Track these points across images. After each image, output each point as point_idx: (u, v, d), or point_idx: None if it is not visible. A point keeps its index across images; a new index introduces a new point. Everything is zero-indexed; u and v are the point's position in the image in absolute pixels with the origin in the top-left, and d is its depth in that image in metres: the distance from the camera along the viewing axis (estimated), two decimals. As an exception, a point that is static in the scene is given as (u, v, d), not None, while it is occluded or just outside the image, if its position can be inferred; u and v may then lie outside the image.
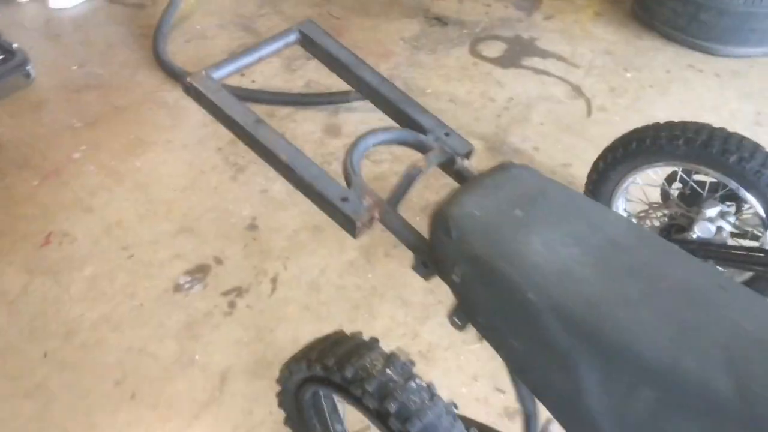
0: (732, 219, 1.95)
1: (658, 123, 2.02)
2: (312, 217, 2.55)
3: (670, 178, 2.11)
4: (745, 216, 1.97)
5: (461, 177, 1.14)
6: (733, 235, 2.01)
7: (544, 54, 3.53)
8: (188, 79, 1.19)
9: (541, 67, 3.44)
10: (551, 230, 0.88)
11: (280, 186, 2.68)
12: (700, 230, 1.97)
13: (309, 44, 1.29)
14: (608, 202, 2.20)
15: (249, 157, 2.81)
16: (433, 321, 2.22)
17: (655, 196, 2.17)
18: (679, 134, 1.92)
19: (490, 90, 3.26)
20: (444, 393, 1.18)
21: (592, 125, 3.07)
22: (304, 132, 2.97)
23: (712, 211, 1.94)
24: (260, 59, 1.27)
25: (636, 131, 2.05)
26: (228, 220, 2.56)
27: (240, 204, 2.62)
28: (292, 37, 1.28)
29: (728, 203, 1.96)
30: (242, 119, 1.15)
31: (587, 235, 0.90)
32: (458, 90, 3.26)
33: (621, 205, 2.20)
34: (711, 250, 1.99)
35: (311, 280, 2.33)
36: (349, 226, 1.08)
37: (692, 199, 2.07)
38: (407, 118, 1.23)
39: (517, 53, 3.53)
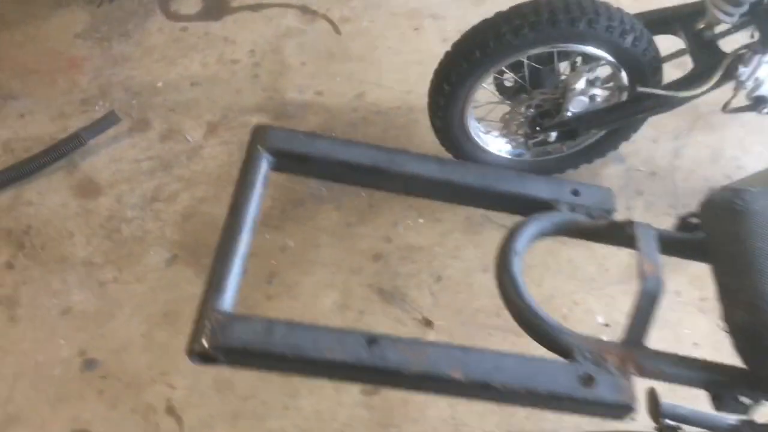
0: (600, 83, 1.89)
1: (487, 20, 1.82)
2: (153, 303, 1.96)
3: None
4: (605, 75, 1.93)
5: (682, 249, 0.82)
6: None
7: (245, -14, 3.05)
8: (201, 343, 0.66)
9: (252, 1, 2.97)
10: None
11: (81, 292, 2.00)
12: (575, 106, 1.89)
13: (291, 162, 0.79)
14: (462, 120, 2.00)
15: (10, 279, 2.03)
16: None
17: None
18: (521, 22, 1.76)
19: (225, 51, 2.74)
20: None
21: (350, 41, 2.78)
22: (54, 209, 2.21)
23: (579, 84, 1.86)
24: (253, 233, 0.76)
25: (471, 37, 1.84)
26: (51, 375, 1.85)
27: (48, 346, 1.90)
28: (263, 165, 0.77)
29: (586, 69, 1.89)
30: (346, 351, 0.66)
31: None
32: (191, 67, 2.68)
33: (472, 114, 2.02)
34: (589, 121, 1.95)
35: (213, 379, 1.82)
36: (621, 412, 0.70)
37: (536, 81, 1.96)
38: (510, 197, 0.83)
39: (218, -3, 3.00)
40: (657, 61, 1.85)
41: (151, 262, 2.04)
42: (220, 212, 2.19)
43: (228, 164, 2.32)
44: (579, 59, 1.89)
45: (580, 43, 1.78)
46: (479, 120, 2.08)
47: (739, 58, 1.75)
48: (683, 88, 1.82)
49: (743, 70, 1.74)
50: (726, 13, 1.72)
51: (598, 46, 1.79)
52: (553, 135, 1.98)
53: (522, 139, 2.06)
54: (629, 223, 0.83)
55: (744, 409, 0.77)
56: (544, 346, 0.78)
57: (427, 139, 2.26)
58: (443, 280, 2.03)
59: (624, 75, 1.87)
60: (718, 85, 1.79)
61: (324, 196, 2.22)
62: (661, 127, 2.36)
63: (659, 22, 1.91)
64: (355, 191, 2.24)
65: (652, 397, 1.16)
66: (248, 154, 0.79)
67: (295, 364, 0.71)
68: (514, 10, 1.79)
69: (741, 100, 1.86)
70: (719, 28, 1.84)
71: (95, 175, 2.30)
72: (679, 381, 0.77)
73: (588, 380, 0.70)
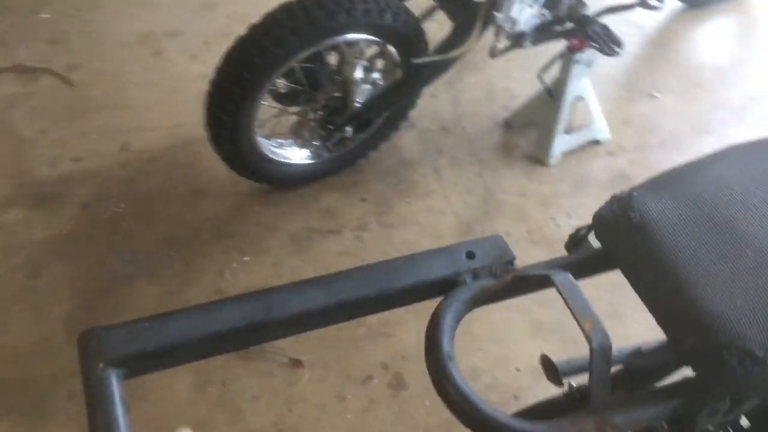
0: (378, 66, 1.84)
1: (245, 36, 1.67)
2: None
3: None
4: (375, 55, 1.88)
5: (591, 268, 0.74)
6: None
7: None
8: None
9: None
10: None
11: None
12: (360, 96, 1.83)
13: (146, 362, 0.58)
14: (251, 145, 1.85)
15: None
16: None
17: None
18: (281, 31, 1.64)
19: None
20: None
21: (89, 89, 2.45)
22: None
23: (357, 74, 1.79)
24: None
25: (234, 59, 1.68)
26: None
27: None
28: (112, 383, 0.55)
29: (356, 55, 1.82)
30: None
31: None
32: None
33: (260, 134, 1.88)
34: (378, 106, 1.90)
35: None
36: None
37: (314, 82, 1.86)
38: (410, 290, 0.70)
39: None
40: (418, 28, 1.84)
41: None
42: (15, 340, 1.86)
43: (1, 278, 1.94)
44: (345, 48, 1.82)
45: (344, 34, 1.71)
46: (269, 137, 1.94)
47: (492, 4, 1.78)
48: (452, 47, 1.83)
49: (499, 15, 1.79)
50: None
51: (362, 31, 1.73)
52: (349, 129, 1.92)
53: (318, 142, 1.96)
54: (538, 274, 0.77)
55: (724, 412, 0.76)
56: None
57: (218, 171, 2.08)
58: (294, 312, 1.90)
59: (393, 51, 1.84)
60: (481, 34, 1.82)
61: (131, 272, 1.96)
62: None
63: (406, -12, 1.90)
64: (164, 253, 2.01)
65: (546, 363, 1.15)
66: (87, 379, 0.58)
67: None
68: (270, 20, 1.66)
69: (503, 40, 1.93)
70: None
71: None
72: (656, 419, 0.73)
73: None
